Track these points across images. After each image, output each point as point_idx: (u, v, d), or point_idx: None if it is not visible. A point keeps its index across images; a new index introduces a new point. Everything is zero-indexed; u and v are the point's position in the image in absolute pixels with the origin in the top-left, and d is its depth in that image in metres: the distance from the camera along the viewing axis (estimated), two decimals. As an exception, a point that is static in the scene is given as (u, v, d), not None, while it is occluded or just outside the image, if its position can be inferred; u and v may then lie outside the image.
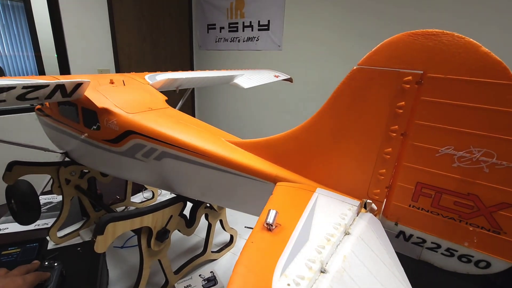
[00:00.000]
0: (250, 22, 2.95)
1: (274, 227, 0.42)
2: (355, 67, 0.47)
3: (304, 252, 0.38)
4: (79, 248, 0.83)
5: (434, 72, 0.41)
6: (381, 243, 0.43)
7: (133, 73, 1.12)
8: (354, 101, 0.48)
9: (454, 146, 0.41)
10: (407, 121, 0.44)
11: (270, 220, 0.42)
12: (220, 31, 3.22)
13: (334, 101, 0.50)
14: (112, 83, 0.93)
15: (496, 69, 0.37)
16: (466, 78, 0.39)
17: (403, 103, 0.44)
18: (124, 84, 0.96)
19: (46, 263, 0.65)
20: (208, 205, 0.94)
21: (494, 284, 1.14)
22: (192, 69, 3.60)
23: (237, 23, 3.05)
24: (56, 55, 2.68)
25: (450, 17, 1.95)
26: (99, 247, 0.63)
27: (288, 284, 0.33)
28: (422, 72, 0.41)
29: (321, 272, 0.35)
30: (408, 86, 0.43)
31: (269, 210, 0.43)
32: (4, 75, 3.11)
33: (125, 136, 0.78)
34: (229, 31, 3.13)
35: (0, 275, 0.57)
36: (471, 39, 0.38)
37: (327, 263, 0.36)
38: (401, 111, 0.44)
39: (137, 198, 1.47)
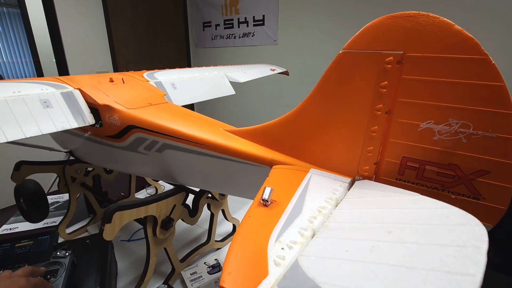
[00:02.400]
0: (245, 18, 2.97)
1: (269, 202, 0.45)
2: (340, 52, 0.49)
3: (297, 222, 0.41)
4: (88, 241, 0.87)
5: (413, 52, 0.43)
6: (369, 189, 0.46)
7: (132, 71, 1.15)
8: (341, 84, 0.51)
9: (434, 120, 0.44)
10: (390, 99, 0.47)
11: (265, 196, 0.45)
12: (216, 29, 3.24)
13: (322, 85, 0.53)
14: (112, 81, 0.96)
15: (468, 45, 0.40)
16: (442, 55, 0.41)
17: (386, 82, 0.46)
18: (123, 82, 0.99)
19: (59, 253, 0.69)
20: (210, 195, 0.98)
21: (492, 263, 1.17)
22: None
23: (232, 19, 3.07)
24: (54, 60, 2.71)
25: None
26: (107, 235, 0.66)
27: (282, 248, 0.36)
28: (402, 52, 0.44)
29: (312, 237, 0.38)
30: (389, 66, 0.45)
31: (265, 188, 0.46)
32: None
33: (127, 131, 0.81)
34: (225, 28, 3.15)
35: (4, 276, 0.56)
36: (445, 19, 0.41)
37: (318, 231, 0.40)
38: (384, 90, 0.47)
39: (141, 195, 1.50)
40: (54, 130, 0.70)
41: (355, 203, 0.44)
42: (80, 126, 0.76)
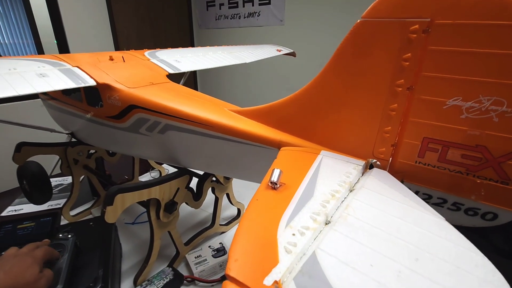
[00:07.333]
0: (250, -4, 2.85)
1: (278, 185, 0.42)
2: (358, 21, 0.45)
3: (308, 207, 0.38)
4: (91, 223, 0.86)
5: (442, 19, 0.39)
6: (390, 186, 0.42)
7: (133, 50, 1.11)
8: (357, 57, 0.46)
9: (462, 97, 0.40)
10: (413, 74, 0.43)
11: (274, 178, 0.42)
12: (220, 8, 3.13)
13: (337, 59, 0.49)
14: (112, 59, 0.92)
15: (508, 10, 0.35)
16: (476, 22, 0.36)
17: (409, 54, 0.42)
18: (123, 61, 0.95)
19: (61, 235, 0.68)
20: (214, 178, 0.95)
21: (503, 251, 1.14)
22: (193, 49, 3.54)
23: (236, -2, 2.96)
24: (55, 41, 2.66)
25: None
26: (109, 217, 0.64)
27: (293, 234, 0.33)
28: (429, 19, 0.39)
29: (326, 224, 0.35)
30: (414, 35, 0.41)
31: (273, 170, 0.42)
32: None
33: (128, 111, 0.78)
34: (229, 7, 3.04)
35: (10, 255, 0.54)
36: (482, -21, 0.36)
37: (332, 216, 0.37)
38: (407, 63, 0.42)
39: (145, 178, 1.49)
40: (50, 89, 0.65)
41: (375, 200, 0.39)
42: (78, 86, 0.71)
